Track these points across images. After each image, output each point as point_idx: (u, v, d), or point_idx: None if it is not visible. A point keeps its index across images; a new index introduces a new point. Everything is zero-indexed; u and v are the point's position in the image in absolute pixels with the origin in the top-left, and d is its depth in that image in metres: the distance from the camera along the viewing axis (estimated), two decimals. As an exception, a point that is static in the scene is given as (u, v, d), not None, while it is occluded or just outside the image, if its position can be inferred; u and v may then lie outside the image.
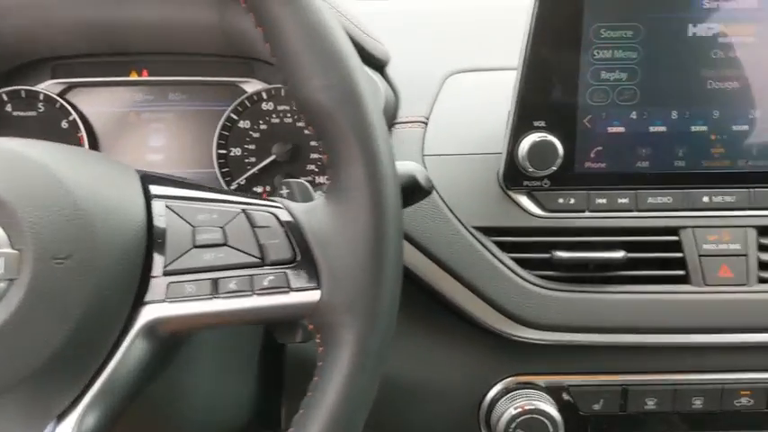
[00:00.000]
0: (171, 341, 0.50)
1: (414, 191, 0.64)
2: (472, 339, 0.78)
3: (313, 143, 0.84)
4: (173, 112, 0.85)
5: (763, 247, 0.75)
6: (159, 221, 0.49)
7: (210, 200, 0.51)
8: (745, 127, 0.74)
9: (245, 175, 0.84)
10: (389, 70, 0.84)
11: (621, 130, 0.74)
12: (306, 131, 0.84)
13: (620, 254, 0.73)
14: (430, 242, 0.74)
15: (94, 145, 0.83)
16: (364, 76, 0.49)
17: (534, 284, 0.73)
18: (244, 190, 0.84)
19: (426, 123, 0.79)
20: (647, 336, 0.73)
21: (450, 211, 0.75)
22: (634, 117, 0.74)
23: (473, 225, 0.75)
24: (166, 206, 0.50)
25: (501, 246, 0.75)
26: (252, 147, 0.84)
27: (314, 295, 0.49)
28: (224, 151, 0.84)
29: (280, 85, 0.83)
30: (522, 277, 0.74)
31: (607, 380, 0.77)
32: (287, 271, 0.49)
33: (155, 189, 0.51)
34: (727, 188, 0.75)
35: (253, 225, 0.50)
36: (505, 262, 0.74)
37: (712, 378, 0.77)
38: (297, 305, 0.49)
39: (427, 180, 0.64)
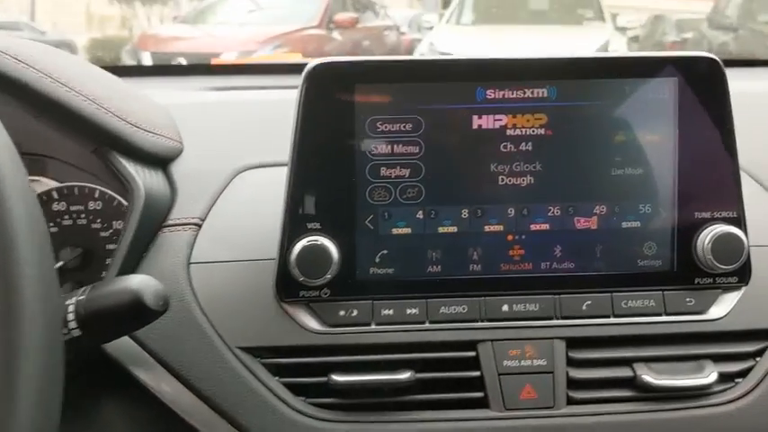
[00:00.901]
0: None
1: (138, 312, 0.54)
2: None
3: (110, 246, 0.73)
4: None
5: (572, 363, 0.66)
6: None
7: None
8: (546, 225, 0.66)
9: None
10: (176, 167, 0.75)
11: (408, 231, 0.66)
12: (102, 234, 0.74)
13: (405, 374, 0.64)
14: (187, 369, 0.63)
15: None
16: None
17: (307, 415, 0.63)
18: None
19: (200, 226, 0.70)
20: None
21: (215, 329, 0.64)
22: (420, 217, 0.66)
23: (239, 345, 0.64)
24: None
25: (272, 369, 0.64)
26: None
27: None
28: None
29: (74, 184, 0.74)
30: (293, 407, 0.63)
31: None
32: None
33: None
34: (530, 295, 0.66)
35: None
36: (274, 389, 0.63)
37: None
38: None
39: (157, 298, 0.55)
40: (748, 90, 1.01)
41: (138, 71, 1.20)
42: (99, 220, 0.74)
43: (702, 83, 0.66)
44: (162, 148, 0.73)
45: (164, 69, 1.23)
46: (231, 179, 0.74)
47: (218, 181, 0.74)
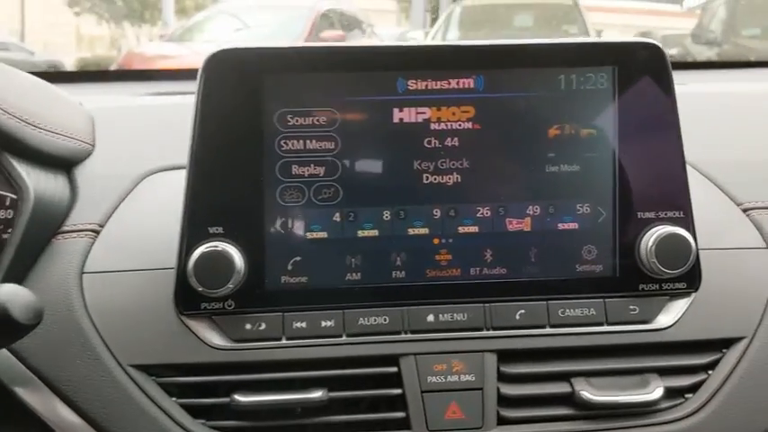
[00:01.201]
0: None
1: (5, 326, 0.49)
2: None
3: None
4: None
5: (504, 378, 0.60)
6: None
7: None
8: (474, 228, 0.61)
9: None
10: (81, 170, 0.69)
11: (324, 235, 0.60)
12: None
13: (317, 393, 0.57)
14: (73, 388, 0.57)
15: None
16: None
17: None
18: None
19: (98, 232, 0.64)
20: None
21: (106, 345, 0.58)
22: (338, 219, 0.60)
23: (133, 363, 0.58)
24: None
25: (169, 389, 0.58)
26: None
27: None
28: None
29: None
30: None
31: None
32: None
33: None
34: (458, 304, 0.60)
35: None
36: (170, 412, 0.57)
37: None
38: None
39: (27, 311, 0.49)
40: (723, 91, 0.97)
41: (78, 77, 1.14)
42: None
43: (644, 72, 0.60)
44: (66, 151, 0.67)
45: (105, 75, 1.17)
46: (138, 183, 0.68)
47: (124, 185, 0.68)
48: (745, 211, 0.70)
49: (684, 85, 0.99)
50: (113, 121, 0.77)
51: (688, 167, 0.67)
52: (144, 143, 0.75)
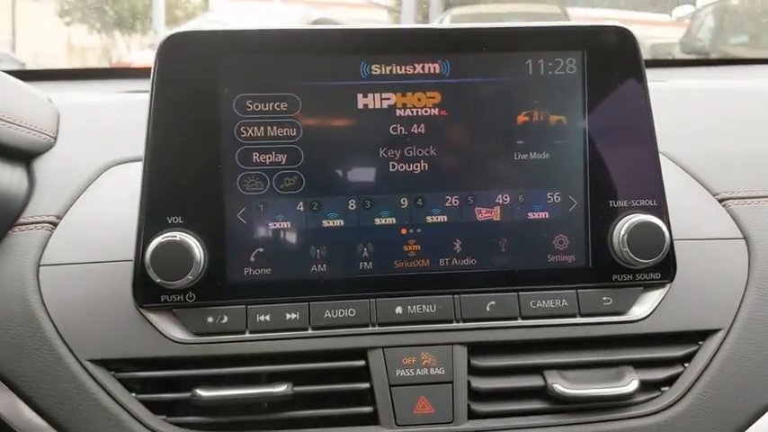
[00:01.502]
0: None
1: None
2: None
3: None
4: None
5: (474, 371, 0.58)
6: None
7: None
8: (443, 217, 0.59)
9: None
10: (41, 162, 0.67)
11: (287, 225, 0.58)
12: None
13: (281, 387, 0.56)
14: (28, 383, 0.55)
15: None
16: None
17: None
18: None
19: (56, 224, 0.62)
20: None
21: (62, 339, 0.56)
22: (301, 209, 0.58)
23: (90, 357, 0.56)
24: None
25: (129, 384, 0.56)
26: None
27: None
28: None
29: None
30: (149, 428, 0.55)
31: None
32: None
33: None
34: (427, 295, 0.59)
35: None
36: (129, 407, 0.55)
37: None
38: None
39: None
40: (702, 86, 0.96)
41: (52, 75, 1.12)
42: None
43: (613, 56, 0.59)
44: (25, 142, 0.65)
45: (82, 73, 1.16)
46: (98, 175, 0.67)
47: (84, 176, 0.66)
48: (721, 201, 0.68)
49: (664, 81, 0.98)
50: (78, 117, 0.75)
51: (664, 159, 0.66)
52: (106, 137, 0.73)
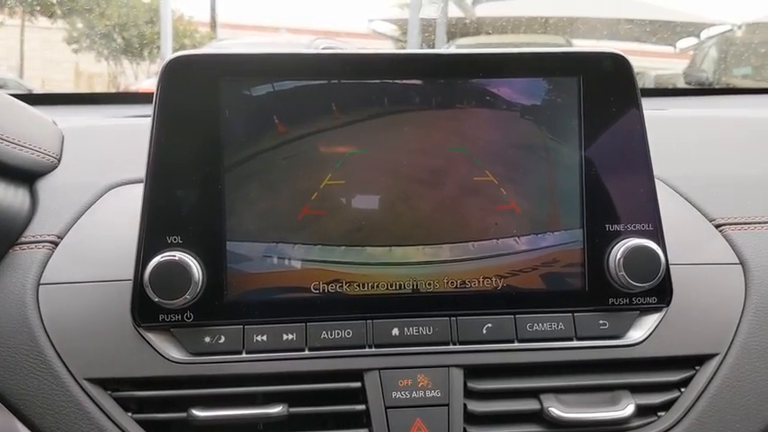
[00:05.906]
0: None
1: None
2: None
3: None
4: None
5: (470, 394, 0.58)
6: None
7: None
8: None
9: None
10: (44, 182, 0.68)
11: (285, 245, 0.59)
12: None
13: (276, 408, 0.56)
14: (25, 401, 0.55)
15: None
16: None
17: None
18: None
19: (57, 244, 0.63)
20: None
21: (60, 357, 0.57)
22: (300, 230, 0.59)
23: (88, 376, 0.56)
24: None
25: (125, 403, 0.56)
26: None
27: None
28: None
29: None
30: None
31: None
32: None
33: None
34: (424, 317, 0.59)
35: None
36: (125, 427, 0.55)
37: None
38: None
39: None
40: (700, 115, 0.97)
41: (59, 99, 1.14)
42: None
43: (609, 82, 0.60)
44: (28, 162, 0.66)
45: (85, 98, 1.18)
46: (100, 195, 0.68)
47: (86, 197, 0.67)
48: (717, 227, 0.69)
49: (664, 110, 0.99)
50: (82, 139, 0.76)
51: (661, 184, 0.67)
52: (109, 159, 0.74)
